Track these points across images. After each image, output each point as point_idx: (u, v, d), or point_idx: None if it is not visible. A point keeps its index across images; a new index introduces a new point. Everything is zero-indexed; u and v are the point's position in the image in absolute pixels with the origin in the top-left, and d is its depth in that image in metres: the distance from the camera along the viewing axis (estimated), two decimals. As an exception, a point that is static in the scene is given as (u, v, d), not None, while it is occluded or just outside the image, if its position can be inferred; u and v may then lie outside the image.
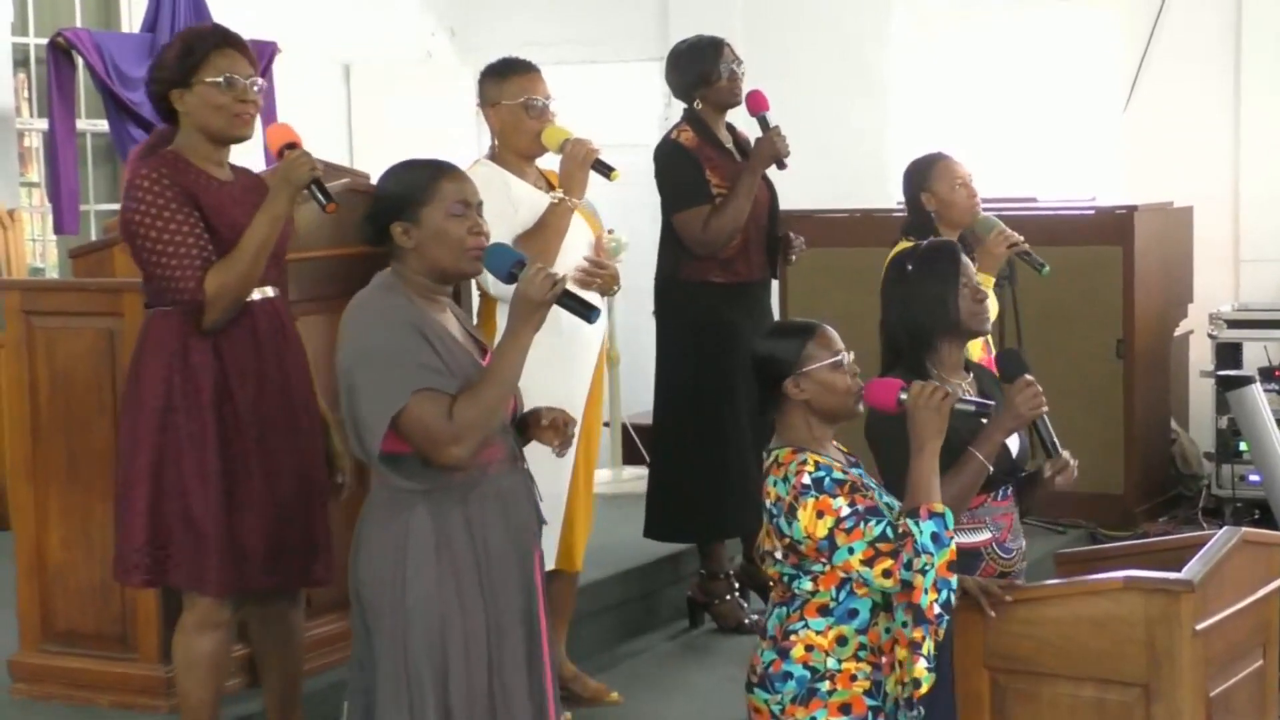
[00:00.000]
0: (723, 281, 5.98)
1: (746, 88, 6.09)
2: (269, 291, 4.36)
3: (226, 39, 4.32)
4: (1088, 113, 9.24)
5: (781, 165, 5.95)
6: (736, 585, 6.29)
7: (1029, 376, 4.12)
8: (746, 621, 6.16)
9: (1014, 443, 4.23)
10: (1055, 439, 4.16)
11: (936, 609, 3.63)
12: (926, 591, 3.62)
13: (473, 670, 3.67)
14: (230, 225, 4.25)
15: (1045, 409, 4.10)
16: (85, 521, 4.89)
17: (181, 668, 4.34)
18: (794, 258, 6.14)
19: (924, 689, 3.65)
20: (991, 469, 4.05)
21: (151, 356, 4.26)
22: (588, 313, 3.70)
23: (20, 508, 5.05)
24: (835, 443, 3.93)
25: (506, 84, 5.17)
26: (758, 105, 5.98)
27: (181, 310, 4.20)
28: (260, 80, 4.36)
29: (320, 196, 4.24)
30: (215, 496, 4.22)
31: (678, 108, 10.02)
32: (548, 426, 3.87)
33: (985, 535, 4.14)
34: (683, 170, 5.99)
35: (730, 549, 6.37)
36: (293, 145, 4.28)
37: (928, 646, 3.64)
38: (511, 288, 3.65)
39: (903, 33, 9.71)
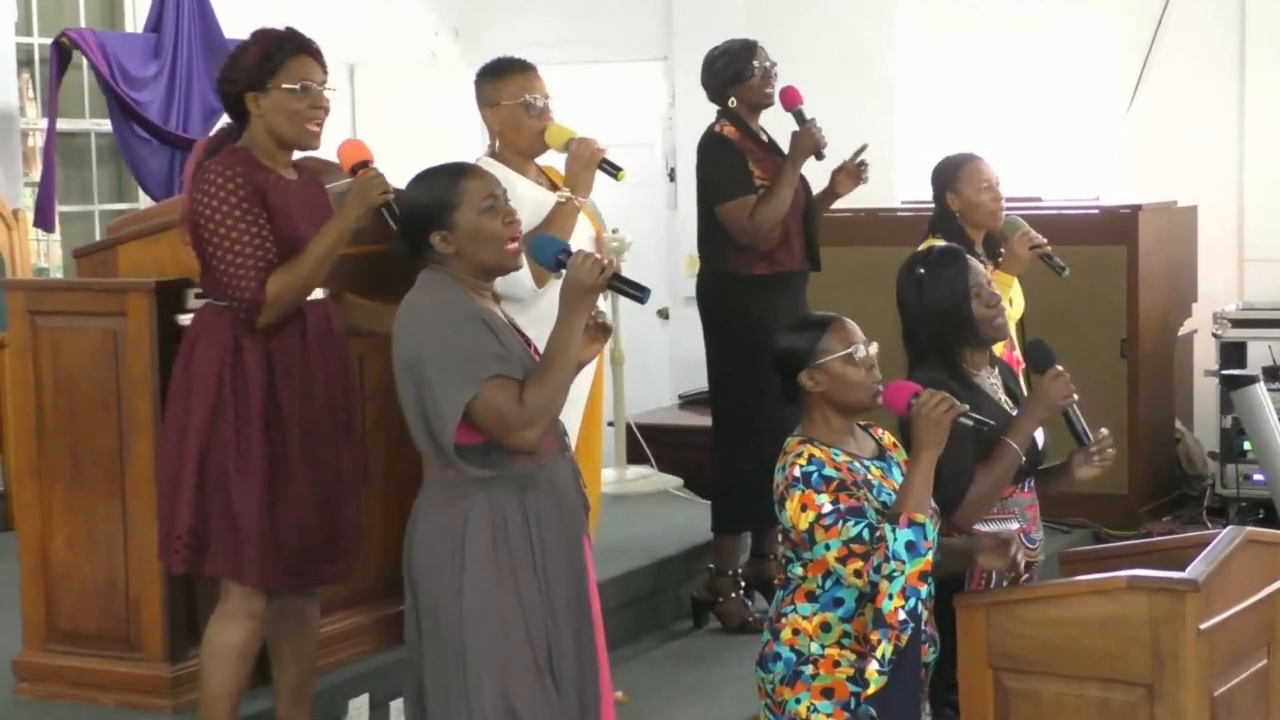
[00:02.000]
0: (766, 273, 6.04)
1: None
2: (321, 293, 4.45)
3: (304, 46, 4.40)
4: (1092, 112, 9.24)
5: (820, 156, 6.02)
6: (742, 584, 6.29)
7: (1059, 367, 4.21)
8: (750, 620, 6.16)
9: (1039, 434, 4.28)
10: (1086, 426, 4.27)
11: (901, 615, 3.67)
12: (891, 597, 3.66)
13: (537, 655, 3.75)
14: (292, 227, 4.34)
15: (1076, 398, 4.18)
16: (89, 521, 4.90)
17: (207, 655, 4.39)
18: (864, 170, 6.16)
19: (871, 690, 3.70)
20: (1024, 458, 4.10)
21: (205, 349, 4.34)
22: (640, 294, 3.77)
23: (25, 508, 5.06)
24: (879, 430, 3.98)
25: (504, 84, 5.18)
26: (792, 100, 6.06)
27: (236, 308, 4.27)
28: (333, 87, 4.44)
29: (391, 218, 4.28)
30: (257, 492, 4.29)
31: (681, 108, 10.05)
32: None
33: (1014, 526, 4.19)
34: (727, 162, 6.04)
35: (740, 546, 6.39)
36: (365, 163, 4.37)
37: (882, 650, 3.68)
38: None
39: (907, 33, 9.70)
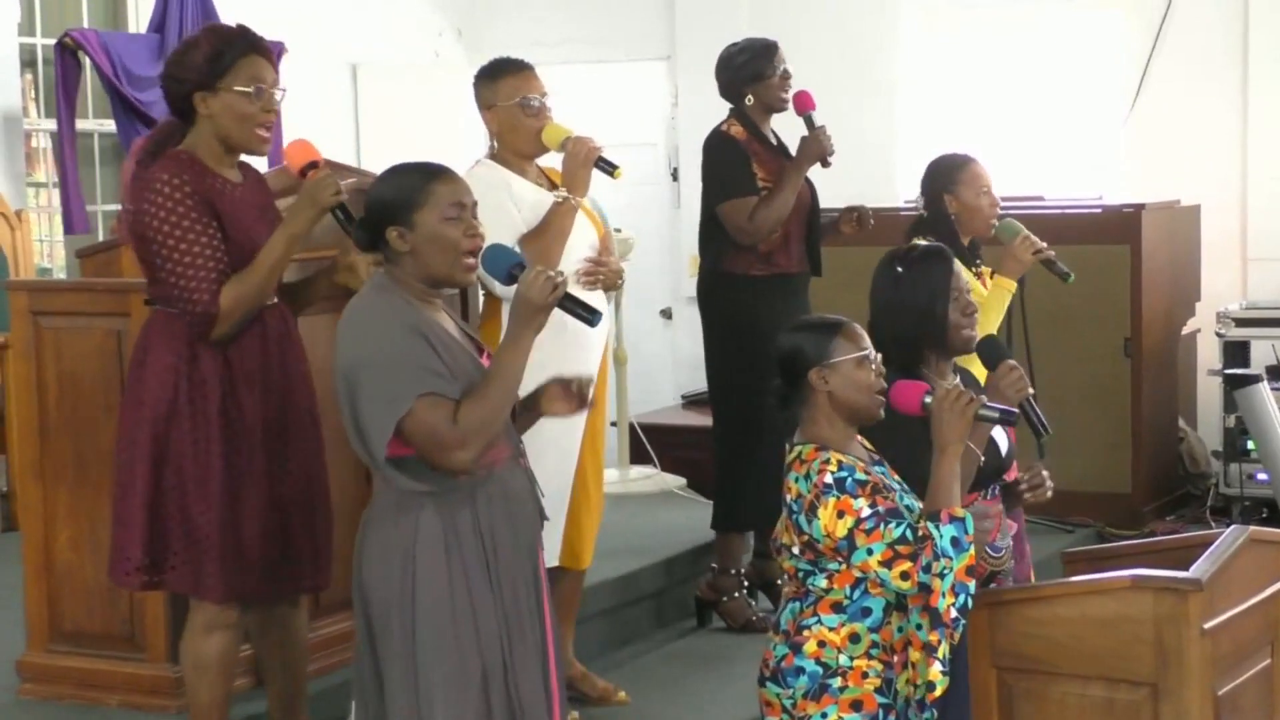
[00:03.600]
0: (763, 274, 6.04)
1: None
2: (276, 297, 4.36)
3: (255, 45, 4.27)
4: (1095, 111, 9.24)
5: (826, 163, 6.01)
6: (745, 583, 6.30)
7: (1010, 361, 4.15)
8: (754, 619, 6.17)
9: (1003, 441, 4.25)
10: (1044, 419, 4.20)
11: (954, 613, 3.64)
12: (944, 595, 3.63)
13: (489, 669, 3.68)
14: (244, 232, 4.23)
15: (1030, 390, 4.14)
16: (93, 522, 4.90)
17: (190, 669, 4.33)
18: (871, 222, 6.18)
19: (938, 692, 3.66)
20: (983, 458, 4.06)
21: (157, 356, 4.24)
22: (589, 316, 3.69)
23: (28, 508, 5.06)
24: (861, 439, 3.94)
25: (500, 85, 5.16)
26: (804, 105, 6.05)
27: (190, 321, 4.17)
28: (284, 88, 4.32)
29: (344, 221, 4.19)
30: (217, 502, 4.20)
31: (684, 107, 10.04)
32: (555, 398, 3.86)
33: None
34: (731, 161, 6.05)
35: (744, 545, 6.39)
36: (315, 164, 4.25)
37: (943, 650, 3.65)
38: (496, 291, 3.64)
39: (910, 32, 9.71)
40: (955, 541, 3.65)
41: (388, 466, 3.61)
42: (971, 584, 3.67)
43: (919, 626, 3.68)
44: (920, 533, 3.66)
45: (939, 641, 3.65)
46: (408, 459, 3.63)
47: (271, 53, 4.32)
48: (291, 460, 4.32)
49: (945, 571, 3.63)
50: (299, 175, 4.28)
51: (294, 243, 4.23)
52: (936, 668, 3.65)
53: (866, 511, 3.68)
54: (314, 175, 4.22)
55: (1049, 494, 4.26)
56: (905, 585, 3.67)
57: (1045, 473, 4.25)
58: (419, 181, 3.71)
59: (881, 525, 3.67)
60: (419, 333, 3.62)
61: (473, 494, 3.67)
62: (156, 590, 4.43)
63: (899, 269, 4.20)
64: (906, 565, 3.65)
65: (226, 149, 4.28)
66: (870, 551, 3.67)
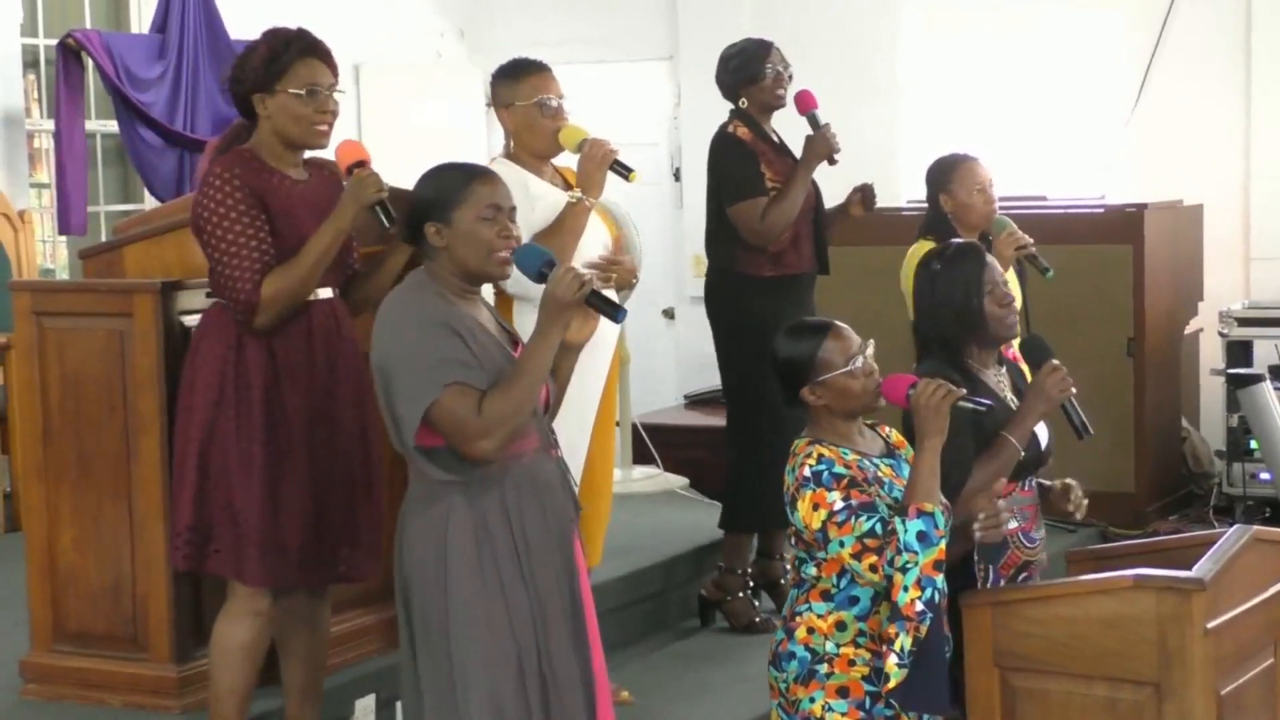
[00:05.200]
0: (773, 275, 6.05)
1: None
2: (328, 293, 4.46)
3: (312, 47, 4.40)
4: (1097, 111, 9.23)
5: (832, 162, 6.02)
6: (750, 584, 6.30)
7: (1055, 361, 4.21)
8: (758, 620, 6.18)
9: (1043, 433, 4.30)
10: (1085, 419, 4.27)
11: (918, 606, 3.68)
12: (907, 589, 3.68)
13: (523, 657, 3.75)
14: (295, 229, 4.35)
15: (1074, 391, 4.19)
16: (96, 522, 4.90)
17: (216, 653, 4.41)
18: (874, 198, 6.18)
19: (891, 684, 3.71)
20: (1023, 453, 4.11)
21: (209, 346, 4.36)
22: (614, 312, 3.79)
23: (31, 509, 5.06)
24: (886, 428, 4.01)
25: (520, 84, 5.20)
26: (807, 104, 6.06)
27: (233, 309, 4.29)
28: (342, 89, 4.45)
29: (385, 216, 4.32)
30: (258, 490, 4.30)
31: (687, 107, 10.05)
32: (579, 329, 3.84)
33: (1013, 525, 4.19)
34: (740, 162, 6.06)
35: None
36: (361, 163, 4.38)
37: (901, 643, 3.69)
38: (528, 286, 3.74)
39: (912, 33, 9.70)
40: (922, 536, 3.69)
41: (419, 456, 3.73)
42: (939, 578, 3.70)
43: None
44: (889, 527, 3.71)
45: (897, 634, 3.69)
46: (438, 449, 3.73)
47: (329, 54, 4.44)
48: (333, 453, 4.42)
49: (909, 566, 3.68)
50: (346, 173, 4.41)
51: (339, 237, 4.35)
52: (892, 660, 3.70)
53: (839, 505, 3.76)
54: (359, 173, 4.35)
55: (1080, 514, 4.32)
56: (875, 578, 3.74)
57: (1084, 499, 4.30)
58: (460, 180, 3.84)
59: (853, 518, 3.74)
60: (448, 326, 3.72)
61: (501, 481, 3.77)
62: (202, 573, 4.49)
63: (935, 269, 4.26)
64: (874, 559, 3.72)
65: (287, 146, 4.41)
66: (842, 544, 3.76)
